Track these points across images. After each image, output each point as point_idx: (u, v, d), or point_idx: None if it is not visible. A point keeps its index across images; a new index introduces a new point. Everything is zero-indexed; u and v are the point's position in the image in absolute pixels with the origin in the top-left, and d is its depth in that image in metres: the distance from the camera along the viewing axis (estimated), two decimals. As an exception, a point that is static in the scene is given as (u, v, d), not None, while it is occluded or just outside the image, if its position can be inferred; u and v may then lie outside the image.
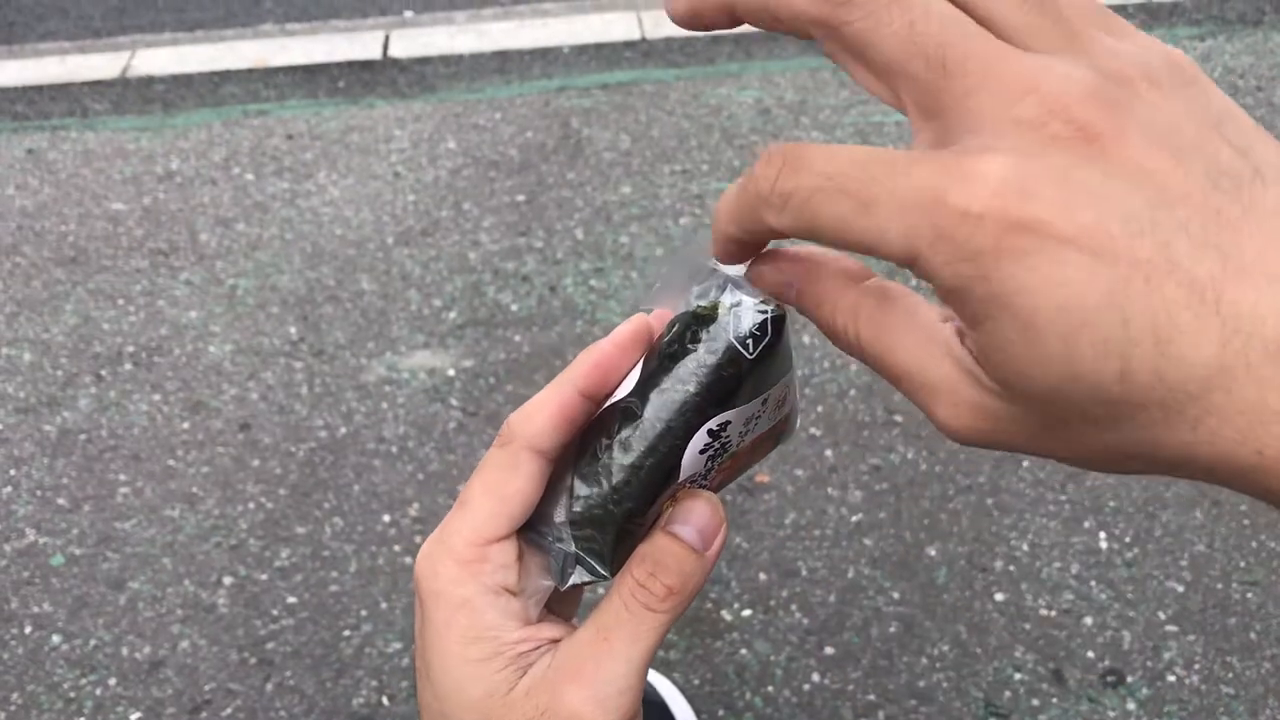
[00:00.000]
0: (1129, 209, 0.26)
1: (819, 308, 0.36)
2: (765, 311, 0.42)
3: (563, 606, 0.48)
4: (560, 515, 0.45)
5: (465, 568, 0.43)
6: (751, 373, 0.42)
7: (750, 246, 0.36)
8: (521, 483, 0.44)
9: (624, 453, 0.43)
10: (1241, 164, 0.28)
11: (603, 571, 0.44)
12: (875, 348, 0.34)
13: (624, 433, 0.43)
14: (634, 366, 0.44)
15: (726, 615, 1.78)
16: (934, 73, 0.28)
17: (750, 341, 0.41)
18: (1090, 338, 0.27)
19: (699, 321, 0.42)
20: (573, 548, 0.44)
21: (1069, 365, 0.27)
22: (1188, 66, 0.30)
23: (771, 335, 0.42)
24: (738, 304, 0.41)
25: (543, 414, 0.43)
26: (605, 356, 0.43)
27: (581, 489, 0.44)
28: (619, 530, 0.43)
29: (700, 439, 0.42)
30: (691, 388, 0.42)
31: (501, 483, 0.44)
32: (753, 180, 0.32)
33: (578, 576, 0.44)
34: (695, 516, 0.42)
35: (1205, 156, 0.27)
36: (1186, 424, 0.27)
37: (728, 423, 0.43)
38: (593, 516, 0.44)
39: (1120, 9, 3.43)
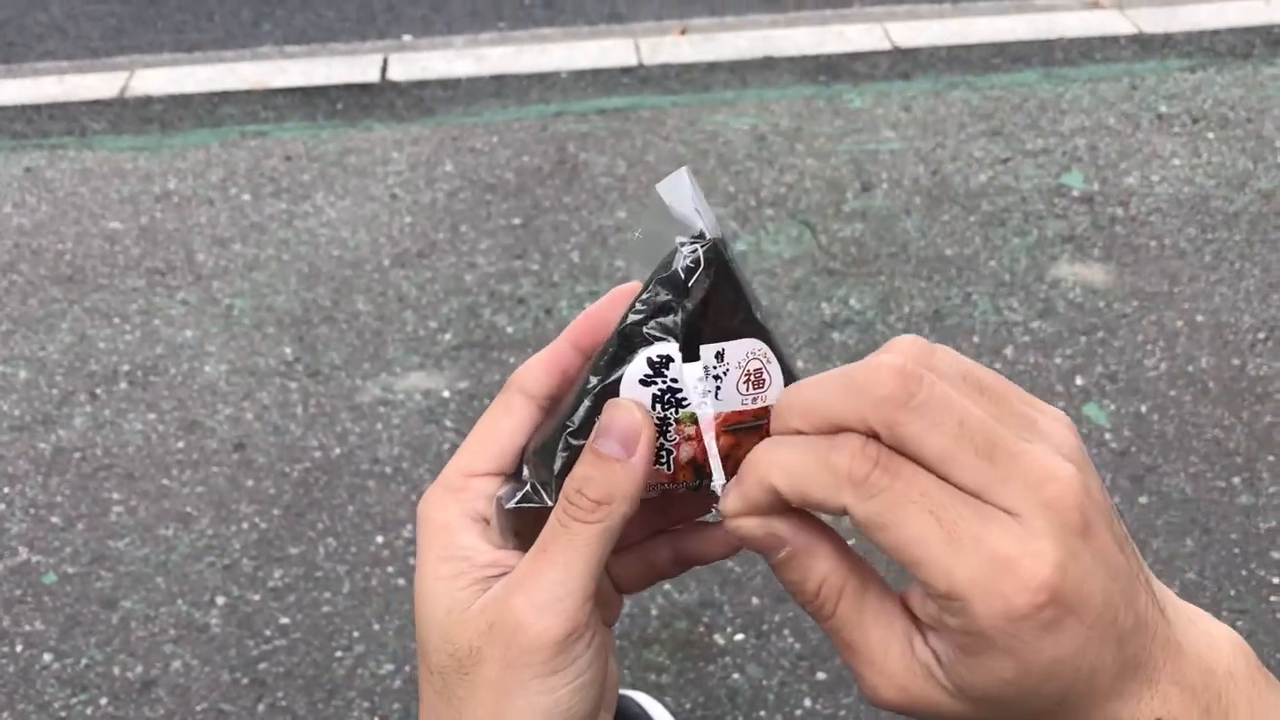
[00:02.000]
0: (1103, 584, 0.36)
1: (805, 574, 0.41)
2: (697, 245, 0.44)
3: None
4: (530, 449, 0.48)
5: (449, 494, 0.46)
6: (689, 307, 0.44)
7: (781, 508, 0.41)
8: (511, 423, 0.48)
9: (579, 384, 0.46)
10: (1119, 525, 0.39)
11: (547, 501, 0.45)
12: (845, 624, 0.41)
13: (585, 370, 0.47)
14: None
15: (719, 639, 1.79)
16: (982, 459, 0.36)
17: (690, 269, 0.44)
18: (1058, 680, 0.37)
19: (661, 270, 0.45)
20: (529, 476, 0.47)
21: (1034, 694, 0.37)
22: (1077, 433, 0.40)
23: (704, 267, 0.43)
24: (682, 243, 0.44)
25: (537, 363, 0.48)
26: (594, 310, 0.47)
27: (547, 423, 0.48)
28: (566, 457, 0.45)
29: (639, 366, 0.44)
30: (633, 316, 0.45)
31: (493, 423, 0.48)
32: (844, 462, 0.37)
33: (522, 501, 0.46)
34: (616, 426, 0.43)
35: (1114, 525, 0.38)
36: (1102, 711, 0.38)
37: (668, 359, 0.44)
38: (544, 445, 0.46)
39: (1113, 40, 3.47)
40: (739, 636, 1.79)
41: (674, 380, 0.45)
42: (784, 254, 2.60)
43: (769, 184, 2.84)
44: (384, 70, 3.44)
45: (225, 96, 3.32)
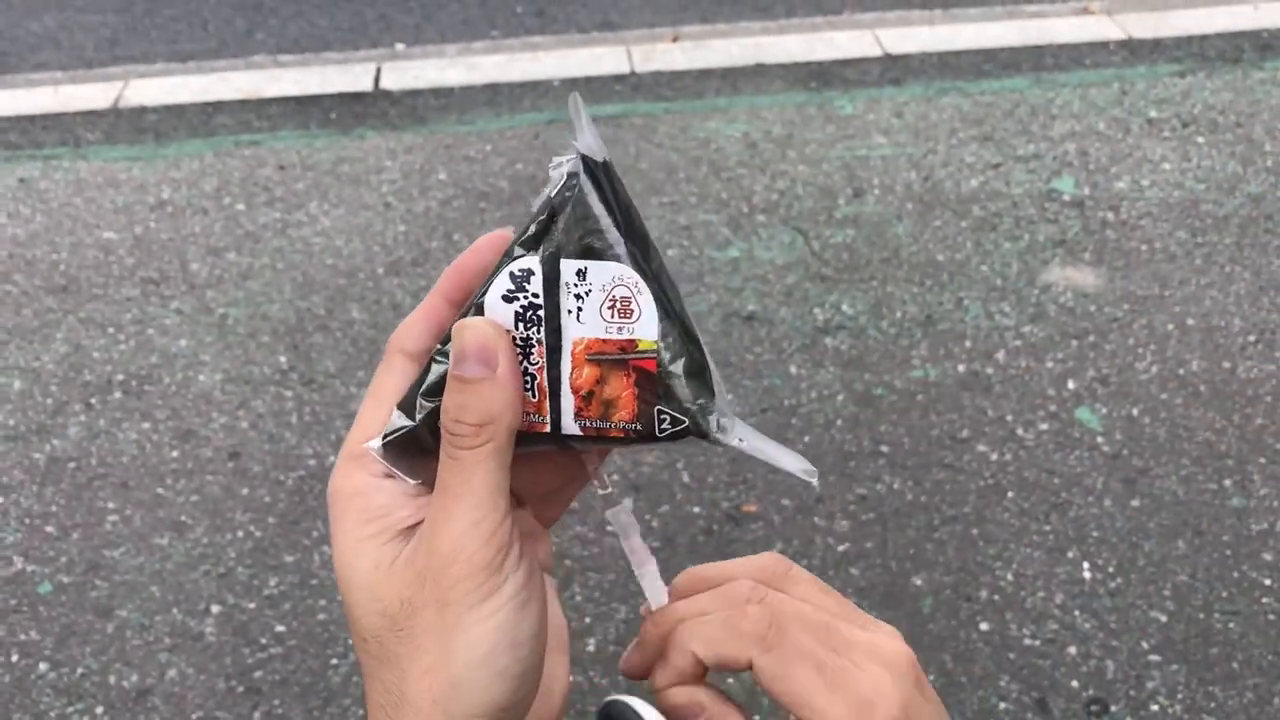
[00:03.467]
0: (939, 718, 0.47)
1: None
2: (563, 160, 0.43)
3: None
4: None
5: (353, 462, 0.47)
6: (554, 218, 0.43)
7: (700, 677, 0.49)
8: (395, 383, 0.47)
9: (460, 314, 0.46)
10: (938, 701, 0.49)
11: (410, 422, 0.45)
12: None
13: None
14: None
15: (713, 644, 1.79)
16: (828, 630, 0.47)
17: (555, 182, 0.43)
18: None
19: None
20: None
21: None
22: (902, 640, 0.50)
23: (566, 180, 0.43)
24: (555, 163, 0.44)
25: (411, 322, 0.48)
26: (461, 261, 0.47)
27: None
28: (438, 372, 0.45)
29: (503, 281, 0.43)
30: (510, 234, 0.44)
31: (380, 386, 0.48)
32: (748, 626, 0.46)
33: (390, 434, 0.46)
34: (469, 347, 0.43)
35: (934, 692, 0.49)
36: None
37: (530, 273, 0.43)
38: (418, 380, 0.46)
39: (1102, 46, 3.48)
40: (733, 641, 1.79)
41: (535, 295, 0.43)
42: (776, 260, 2.61)
43: (761, 190, 2.85)
44: (377, 79, 3.45)
45: (219, 106, 3.33)
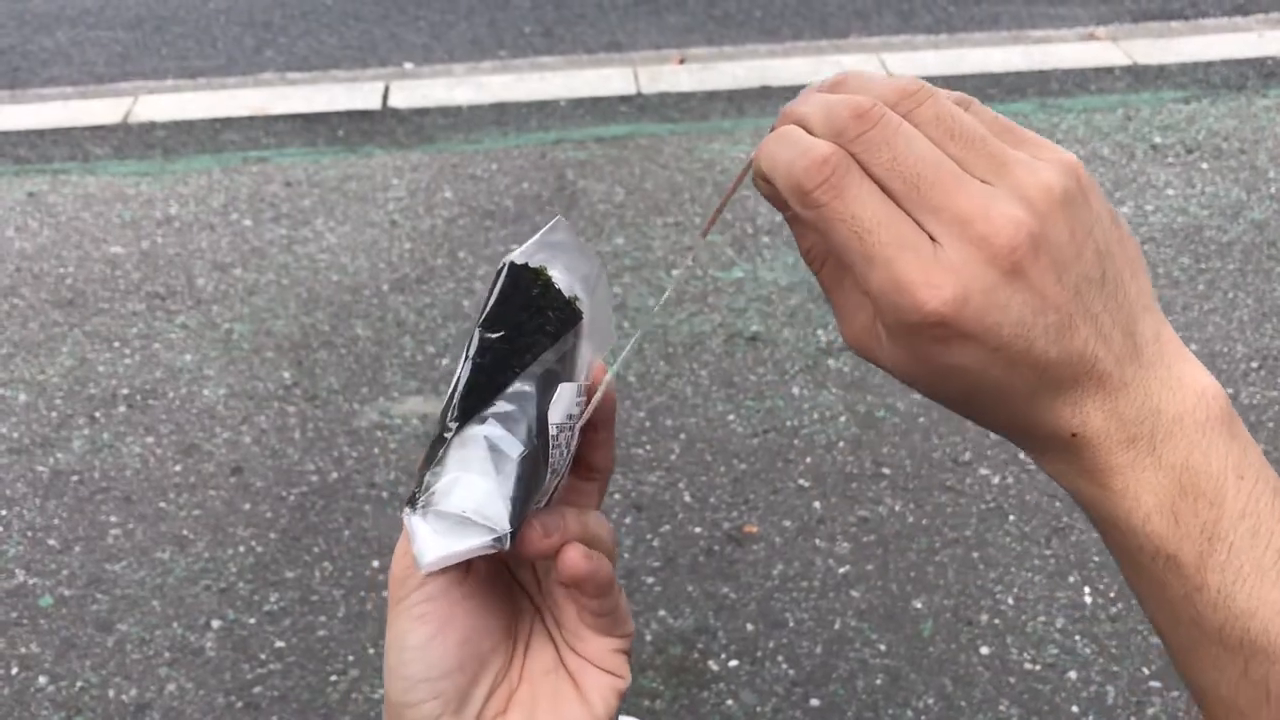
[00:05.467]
0: (1019, 317, 0.42)
1: (800, 237, 0.50)
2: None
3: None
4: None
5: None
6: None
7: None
8: None
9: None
10: (1095, 270, 0.44)
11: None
12: (826, 283, 0.50)
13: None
14: None
15: (713, 665, 1.79)
16: (911, 189, 0.43)
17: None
18: (958, 382, 0.45)
19: None
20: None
21: (939, 385, 0.46)
22: (1078, 175, 0.44)
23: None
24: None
25: None
26: None
27: None
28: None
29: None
30: None
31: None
32: (799, 171, 0.44)
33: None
34: None
35: (1076, 268, 0.43)
36: (1006, 406, 0.46)
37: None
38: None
39: (1107, 72, 3.50)
40: (733, 663, 1.79)
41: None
42: (780, 281, 2.61)
43: (766, 212, 2.86)
44: (385, 97, 3.47)
45: (227, 122, 3.35)
